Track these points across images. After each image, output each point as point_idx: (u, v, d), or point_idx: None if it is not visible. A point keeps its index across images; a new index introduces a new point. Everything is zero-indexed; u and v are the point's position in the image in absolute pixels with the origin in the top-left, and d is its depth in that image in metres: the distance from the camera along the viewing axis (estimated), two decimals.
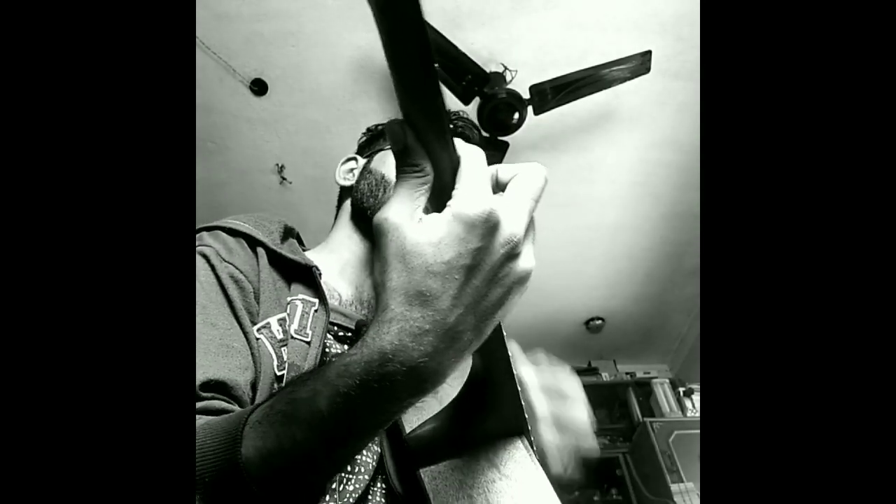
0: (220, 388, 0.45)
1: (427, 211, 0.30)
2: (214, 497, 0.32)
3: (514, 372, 0.41)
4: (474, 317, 0.29)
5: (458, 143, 0.31)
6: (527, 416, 0.45)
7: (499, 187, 0.33)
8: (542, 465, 0.44)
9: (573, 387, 0.53)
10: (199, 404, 0.42)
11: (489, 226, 0.28)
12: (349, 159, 0.82)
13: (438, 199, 0.30)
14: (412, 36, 0.25)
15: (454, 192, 0.29)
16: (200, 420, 0.38)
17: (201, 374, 0.44)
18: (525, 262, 0.31)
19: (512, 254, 0.30)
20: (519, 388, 0.43)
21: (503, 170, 0.33)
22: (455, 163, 0.30)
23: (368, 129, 0.88)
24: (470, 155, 0.30)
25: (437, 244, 0.28)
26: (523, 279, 0.31)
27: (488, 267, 0.29)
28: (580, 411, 0.51)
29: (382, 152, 0.78)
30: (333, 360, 0.32)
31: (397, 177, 0.30)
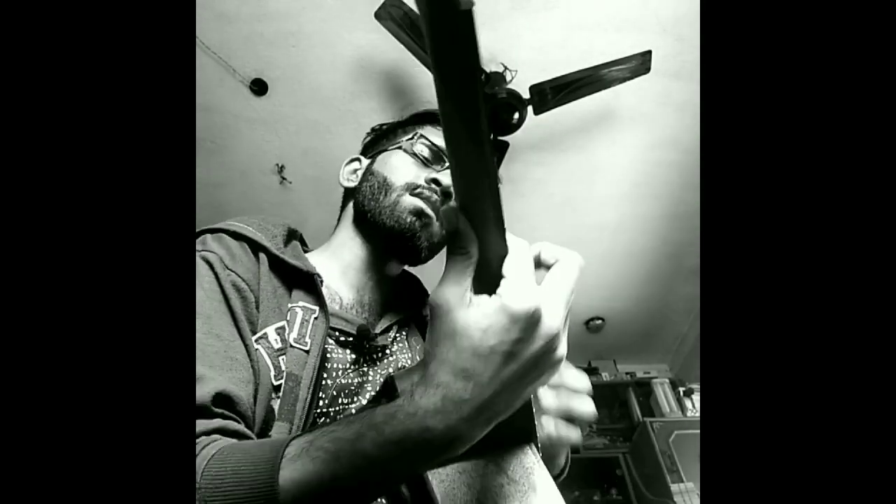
0: (227, 402, 0.45)
1: (474, 289, 0.34)
2: None
3: None
4: (508, 394, 0.33)
5: (511, 239, 0.34)
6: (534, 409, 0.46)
7: (540, 264, 0.37)
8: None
9: (579, 380, 0.53)
10: (214, 422, 0.42)
11: (532, 322, 0.32)
12: (353, 160, 0.82)
13: (484, 280, 0.33)
14: (480, 150, 0.28)
15: (503, 282, 0.33)
16: (221, 441, 0.39)
17: (211, 387, 0.44)
18: (560, 351, 0.35)
19: (549, 346, 0.33)
20: (532, 397, 0.43)
21: (545, 250, 0.38)
22: (503, 251, 0.34)
23: (373, 129, 0.87)
24: (517, 247, 0.34)
25: (485, 330, 0.32)
26: (556, 365, 0.35)
27: (526, 355, 0.33)
28: (586, 399, 0.52)
29: (385, 153, 0.77)
30: (378, 408, 0.35)
31: (447, 256, 0.34)
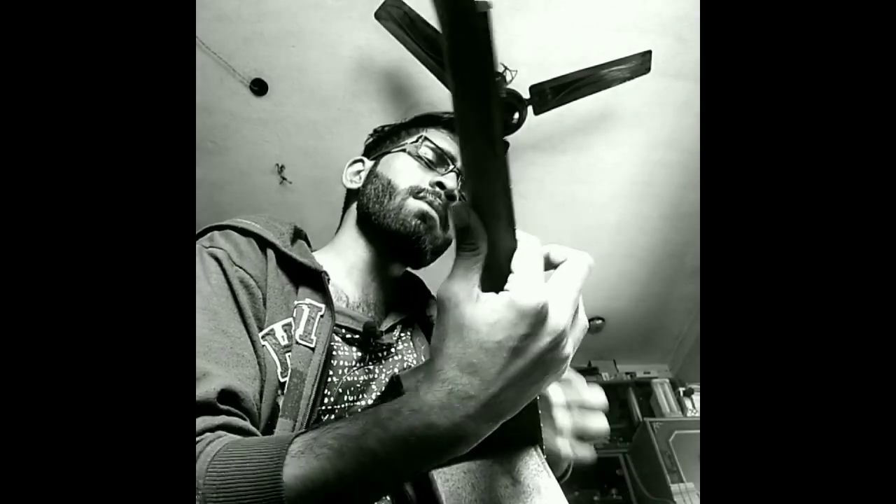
0: (233, 399, 0.45)
1: (482, 285, 0.33)
2: None
3: None
4: (514, 391, 0.33)
5: (520, 234, 0.34)
6: (543, 425, 0.46)
7: (549, 264, 0.37)
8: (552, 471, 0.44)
9: (595, 395, 0.53)
10: (219, 419, 0.42)
11: (540, 318, 0.32)
12: (356, 161, 0.82)
13: (492, 276, 0.33)
14: (493, 151, 0.28)
15: (511, 278, 0.33)
16: (225, 437, 0.39)
17: (217, 384, 0.44)
18: (567, 348, 0.34)
19: (556, 342, 0.33)
20: (537, 398, 0.43)
21: (555, 251, 0.38)
22: (512, 247, 0.34)
23: (375, 131, 0.87)
24: (527, 243, 0.34)
25: (493, 325, 0.32)
26: (562, 363, 0.34)
27: (533, 352, 0.32)
28: (600, 416, 0.52)
29: (389, 155, 0.77)
30: (383, 404, 0.35)
31: (457, 252, 0.34)
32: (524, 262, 0.34)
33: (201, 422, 0.40)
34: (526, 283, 0.32)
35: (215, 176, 2.48)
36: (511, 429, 0.44)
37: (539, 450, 0.46)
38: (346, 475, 0.33)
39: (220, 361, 0.47)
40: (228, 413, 0.43)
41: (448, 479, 0.42)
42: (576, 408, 0.51)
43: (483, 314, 0.32)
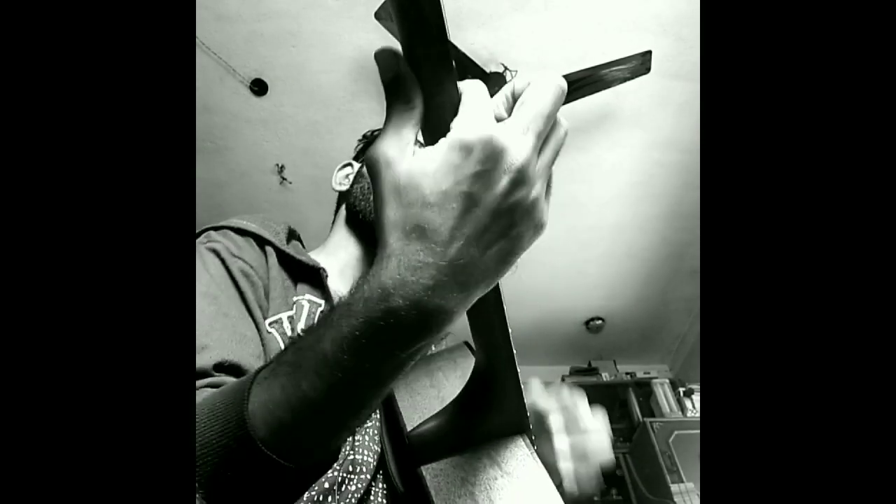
0: (233, 370, 0.44)
1: (421, 144, 0.29)
2: (226, 461, 0.30)
3: (517, 369, 0.42)
4: (478, 249, 0.27)
5: (463, 82, 0.29)
6: (553, 451, 0.46)
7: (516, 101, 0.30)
8: (560, 492, 0.44)
9: (595, 420, 0.53)
10: (208, 380, 0.41)
11: (488, 151, 0.26)
12: (345, 165, 0.83)
13: (434, 133, 0.29)
14: None
15: (453, 123, 0.27)
16: (207, 390, 0.37)
17: (215, 356, 0.43)
18: (535, 189, 0.28)
19: (517, 180, 0.27)
20: (522, 386, 0.43)
21: (519, 82, 0.30)
22: (457, 98, 0.29)
23: (364, 136, 0.89)
24: (471, 86, 0.29)
25: (434, 174, 0.27)
26: (531, 211, 0.28)
27: (491, 195, 0.27)
28: (602, 442, 0.51)
29: None
30: (338, 302, 0.30)
31: (387, 110, 0.29)
32: (468, 99, 0.28)
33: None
34: (470, 117, 0.27)
35: (215, 176, 2.49)
36: (496, 418, 0.44)
37: (527, 439, 0.46)
38: (305, 389, 0.29)
39: (221, 340, 0.46)
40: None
41: (437, 475, 0.42)
42: (575, 429, 0.50)
43: (421, 165, 0.27)
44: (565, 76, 1.90)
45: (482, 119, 0.27)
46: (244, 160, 2.44)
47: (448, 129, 0.28)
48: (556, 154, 0.31)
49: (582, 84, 1.89)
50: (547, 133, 0.30)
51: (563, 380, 3.32)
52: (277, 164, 2.46)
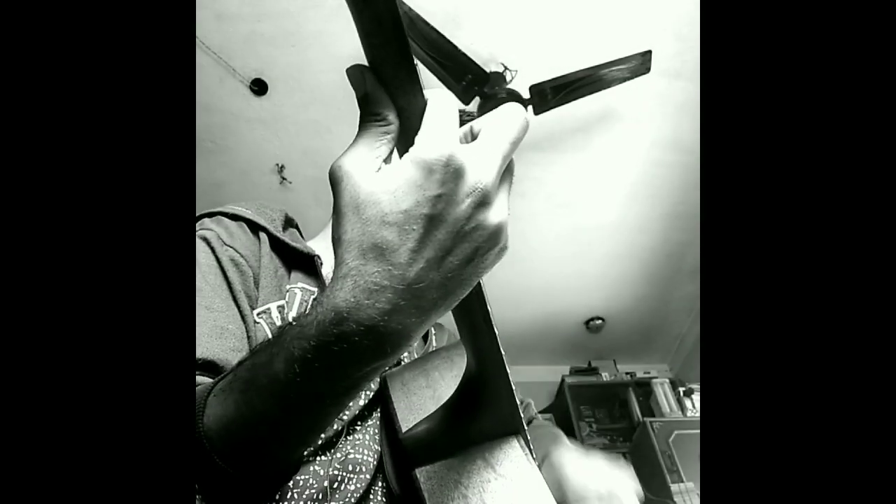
0: (209, 367, 0.44)
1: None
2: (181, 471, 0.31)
3: (508, 370, 0.42)
4: (438, 273, 0.26)
5: (430, 91, 0.28)
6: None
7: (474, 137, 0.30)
8: None
9: (624, 484, 0.51)
10: None
11: (450, 171, 0.25)
12: None
13: (405, 145, 0.28)
14: None
15: (416, 137, 0.27)
16: None
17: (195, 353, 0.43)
18: (497, 214, 0.27)
19: (479, 203, 0.26)
20: (513, 387, 0.43)
21: (480, 120, 0.30)
22: (423, 102, 0.28)
23: None
24: (436, 98, 0.28)
25: (394, 192, 0.26)
26: (495, 234, 0.28)
27: (452, 218, 0.26)
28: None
29: None
30: (292, 321, 0.29)
31: (360, 126, 0.28)
32: (431, 113, 0.27)
33: None
34: (431, 134, 0.26)
35: (215, 176, 2.49)
36: (489, 419, 0.44)
37: (521, 439, 0.46)
38: (258, 408, 0.29)
39: (200, 334, 0.46)
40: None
41: (431, 477, 0.42)
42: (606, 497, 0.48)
43: (382, 182, 0.26)
44: (565, 76, 1.91)
45: (443, 137, 0.26)
46: (244, 160, 2.44)
47: (414, 139, 0.27)
48: (511, 182, 0.30)
49: (582, 84, 1.89)
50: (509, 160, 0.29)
51: (563, 380, 3.32)
52: (277, 164, 2.46)
